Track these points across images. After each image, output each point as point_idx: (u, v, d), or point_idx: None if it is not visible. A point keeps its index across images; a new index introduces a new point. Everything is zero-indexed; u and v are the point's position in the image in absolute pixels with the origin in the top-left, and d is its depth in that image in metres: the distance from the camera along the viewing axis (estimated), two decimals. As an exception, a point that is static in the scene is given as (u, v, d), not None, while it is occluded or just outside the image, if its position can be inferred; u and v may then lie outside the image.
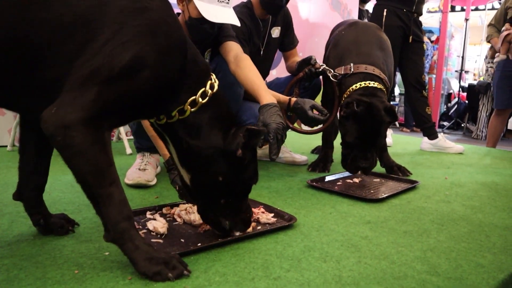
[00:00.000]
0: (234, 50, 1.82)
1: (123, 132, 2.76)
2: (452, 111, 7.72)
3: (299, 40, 2.57)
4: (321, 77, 2.23)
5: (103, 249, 1.07)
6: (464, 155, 3.05)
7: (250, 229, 1.23)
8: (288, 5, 2.35)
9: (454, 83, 8.16)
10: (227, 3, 1.70)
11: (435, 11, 8.99)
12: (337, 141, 2.12)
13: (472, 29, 9.06)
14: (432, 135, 3.20)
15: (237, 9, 2.16)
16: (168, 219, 1.32)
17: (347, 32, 2.20)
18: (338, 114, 2.00)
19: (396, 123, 6.87)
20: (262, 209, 1.40)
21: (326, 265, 1.04)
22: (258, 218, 1.32)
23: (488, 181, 2.15)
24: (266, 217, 1.33)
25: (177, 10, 1.82)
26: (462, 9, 8.77)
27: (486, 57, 5.94)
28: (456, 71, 8.41)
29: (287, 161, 2.43)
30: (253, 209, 1.39)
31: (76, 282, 0.91)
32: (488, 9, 9.07)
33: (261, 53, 2.33)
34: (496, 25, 3.71)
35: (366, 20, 4.40)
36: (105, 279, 0.92)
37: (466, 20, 7.47)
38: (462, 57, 7.59)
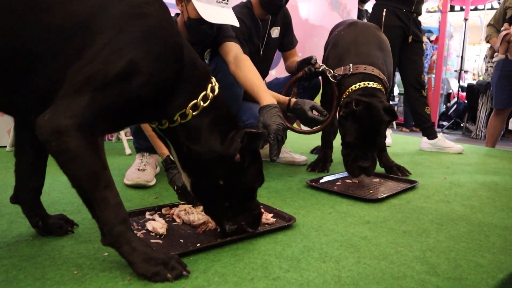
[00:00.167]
0: (233, 50, 1.82)
1: (122, 133, 2.76)
2: (451, 111, 7.72)
3: (299, 40, 2.57)
4: (320, 77, 2.23)
5: (102, 250, 1.07)
6: (463, 155, 3.05)
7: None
8: (288, 5, 2.36)
9: (453, 83, 8.17)
10: (226, 3, 1.70)
11: (434, 11, 9.00)
12: (337, 141, 2.12)
13: (471, 29, 9.06)
14: (431, 135, 3.20)
15: (237, 9, 2.16)
16: (167, 219, 1.32)
17: (346, 32, 2.20)
18: (337, 114, 2.00)
19: (394, 122, 6.87)
20: (262, 209, 1.39)
21: (326, 265, 1.04)
22: (258, 218, 1.32)
23: (488, 181, 2.15)
24: (265, 217, 1.33)
25: (176, 10, 1.82)
26: (461, 9, 8.78)
27: (486, 56, 5.94)
28: (455, 71, 8.41)
29: (286, 161, 2.43)
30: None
31: (75, 282, 0.91)
32: (487, 9, 9.07)
33: (261, 53, 2.33)
34: (495, 25, 3.71)
35: (365, 20, 4.40)
36: (104, 280, 0.92)
37: (465, 20, 7.47)
38: (462, 57, 7.60)
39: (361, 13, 4.93)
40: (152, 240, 1.14)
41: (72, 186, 0.90)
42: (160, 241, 1.14)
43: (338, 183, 1.91)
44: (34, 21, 0.86)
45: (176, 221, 1.30)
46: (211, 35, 1.82)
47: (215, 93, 1.08)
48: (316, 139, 2.61)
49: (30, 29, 0.86)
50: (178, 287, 0.90)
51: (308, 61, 2.11)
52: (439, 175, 2.26)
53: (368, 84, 1.91)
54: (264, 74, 2.42)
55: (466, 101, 7.24)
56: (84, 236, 1.18)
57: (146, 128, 1.56)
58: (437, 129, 3.85)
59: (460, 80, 7.84)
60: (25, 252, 1.06)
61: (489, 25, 3.78)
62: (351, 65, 1.99)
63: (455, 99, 7.70)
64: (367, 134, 1.82)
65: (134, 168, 1.84)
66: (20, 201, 1.17)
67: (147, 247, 0.95)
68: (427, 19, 8.96)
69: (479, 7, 9.20)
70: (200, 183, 1.09)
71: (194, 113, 1.04)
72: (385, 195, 1.72)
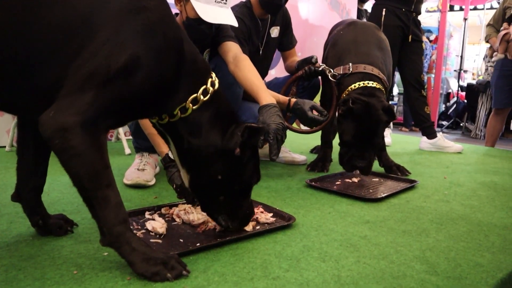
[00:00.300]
0: (233, 50, 1.82)
1: (122, 132, 2.76)
2: (451, 110, 7.73)
3: (298, 40, 2.57)
4: (319, 77, 2.23)
5: (102, 250, 1.07)
6: (463, 155, 3.05)
7: (250, 229, 1.23)
8: (287, 5, 2.36)
9: (453, 83, 8.18)
10: (225, 3, 1.70)
11: (434, 11, 9.00)
12: (336, 141, 2.12)
13: (471, 29, 9.06)
14: (431, 135, 3.20)
15: (237, 9, 2.16)
16: (167, 219, 1.32)
17: (345, 32, 2.20)
18: (336, 113, 2.00)
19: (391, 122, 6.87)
20: (261, 209, 1.40)
21: (325, 265, 1.04)
22: (257, 218, 1.32)
23: (487, 181, 2.15)
24: (265, 217, 1.33)
25: (175, 10, 1.82)
26: (461, 9, 8.77)
27: (486, 56, 5.94)
28: (455, 70, 8.42)
29: (286, 161, 2.44)
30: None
31: (75, 282, 0.91)
32: (487, 9, 9.07)
33: (260, 52, 2.33)
34: (494, 25, 3.71)
35: (364, 20, 4.40)
36: (104, 280, 0.92)
37: (465, 19, 7.48)
38: (461, 57, 7.61)
39: (360, 12, 4.93)
40: (151, 240, 1.14)
41: (73, 185, 0.90)
42: (159, 241, 1.14)
43: (337, 183, 1.91)
44: (34, 17, 0.86)
45: (175, 221, 1.30)
46: (210, 35, 1.82)
47: (215, 87, 1.08)
48: (315, 139, 2.61)
49: (31, 26, 0.85)
50: (178, 287, 0.90)
51: (308, 61, 2.11)
52: (439, 174, 2.26)
53: (368, 83, 1.91)
54: (263, 73, 2.42)
55: (465, 101, 7.25)
56: (84, 236, 1.18)
57: (145, 126, 1.56)
58: (436, 129, 3.84)
59: (460, 80, 7.85)
60: (24, 252, 1.06)
61: (488, 25, 3.79)
62: (350, 64, 1.99)
63: (455, 98, 7.71)
64: (365, 133, 1.82)
65: (133, 167, 1.84)
66: (21, 199, 1.17)
67: (146, 247, 0.95)
68: (427, 19, 8.96)
69: (479, 6, 9.20)
70: (198, 178, 1.09)
71: (194, 107, 1.03)
72: (385, 194, 1.72)
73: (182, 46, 1.03)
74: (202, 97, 1.04)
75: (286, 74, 2.52)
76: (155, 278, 0.91)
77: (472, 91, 6.60)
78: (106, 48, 0.88)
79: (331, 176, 2.05)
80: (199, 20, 1.66)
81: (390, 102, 2.55)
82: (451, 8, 8.93)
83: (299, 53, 2.86)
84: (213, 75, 1.11)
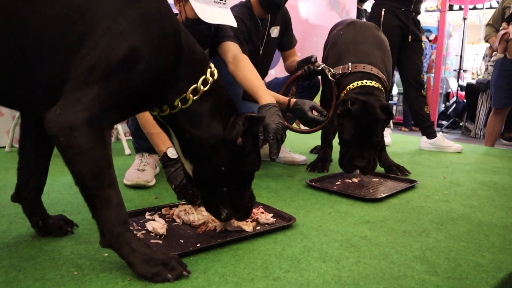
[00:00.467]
0: (232, 50, 1.82)
1: (122, 133, 2.76)
2: (450, 110, 7.73)
3: (298, 39, 2.57)
4: (319, 77, 2.23)
5: (102, 250, 1.07)
6: (462, 154, 3.05)
7: (250, 229, 1.23)
8: (287, 5, 2.36)
9: (452, 82, 8.18)
10: (224, 3, 1.70)
11: (433, 10, 9.01)
12: (336, 141, 2.12)
13: (470, 28, 9.07)
14: (430, 134, 3.20)
15: (236, 9, 2.16)
16: (167, 219, 1.32)
17: (345, 32, 2.20)
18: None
19: (390, 122, 6.88)
20: (261, 209, 1.40)
21: (326, 265, 1.04)
22: (258, 218, 1.32)
23: (487, 180, 2.16)
24: (265, 217, 1.33)
25: (174, 11, 1.82)
26: (460, 8, 8.77)
27: (486, 55, 5.95)
28: (454, 70, 8.42)
29: (286, 161, 2.44)
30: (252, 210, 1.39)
31: (75, 283, 0.91)
32: (486, 8, 9.08)
33: (260, 52, 2.33)
34: (494, 25, 3.72)
35: (364, 20, 4.40)
36: (104, 280, 0.92)
37: (464, 19, 7.48)
38: (461, 56, 7.60)
39: (360, 12, 4.94)
40: (152, 241, 1.14)
41: (76, 183, 0.90)
42: (160, 242, 1.14)
43: (338, 183, 1.91)
44: (31, 10, 0.85)
45: (176, 222, 1.30)
46: (209, 35, 1.82)
47: (215, 77, 1.08)
48: (315, 139, 2.61)
49: (29, 19, 0.85)
50: (178, 288, 0.90)
51: (308, 60, 2.11)
52: (439, 174, 2.26)
53: (366, 82, 1.91)
54: (263, 73, 2.42)
55: (465, 100, 7.25)
56: (84, 237, 1.18)
57: (145, 125, 1.56)
58: (436, 129, 3.85)
59: (459, 79, 7.85)
60: (24, 253, 1.06)
61: (488, 25, 3.79)
62: (349, 64, 1.99)
63: (454, 98, 7.71)
64: (363, 133, 1.83)
65: (133, 168, 1.83)
66: (21, 200, 1.17)
67: (146, 248, 0.95)
68: (426, 18, 8.96)
69: (478, 6, 9.21)
70: (202, 170, 1.09)
71: (194, 98, 1.03)
72: (385, 194, 1.72)
73: (180, 36, 1.02)
74: (202, 87, 1.04)
75: (286, 74, 2.52)
76: (155, 279, 0.91)
77: (471, 90, 6.60)
78: (105, 40, 0.88)
79: (331, 176, 2.05)
80: (198, 20, 1.66)
81: (390, 102, 2.54)
82: (451, 8, 8.94)
83: (299, 53, 2.85)
84: (212, 65, 1.11)
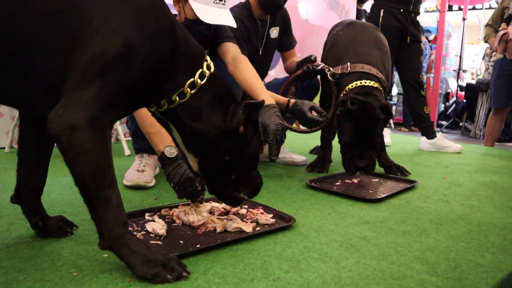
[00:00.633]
0: (231, 51, 1.82)
1: (122, 134, 2.76)
2: (450, 110, 7.73)
3: (297, 40, 2.57)
4: (319, 77, 2.24)
5: (102, 251, 1.07)
6: (462, 154, 3.05)
7: (250, 230, 1.23)
8: (286, 6, 2.36)
9: (452, 82, 8.18)
10: (223, 4, 1.70)
11: (433, 11, 9.01)
12: (336, 141, 2.13)
13: (470, 29, 9.08)
14: (430, 135, 3.20)
15: (236, 10, 2.17)
16: (167, 220, 1.32)
17: (344, 32, 2.20)
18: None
19: (391, 122, 6.88)
20: (261, 210, 1.40)
21: (325, 266, 1.04)
22: (257, 219, 1.32)
23: (487, 180, 2.16)
24: (265, 218, 1.33)
25: (174, 11, 1.82)
26: (460, 9, 8.78)
27: (486, 55, 5.95)
28: (454, 70, 8.43)
29: (286, 161, 2.44)
30: (252, 210, 1.39)
31: (75, 284, 0.90)
32: (486, 9, 9.09)
33: (260, 53, 2.33)
34: (493, 25, 3.72)
35: (363, 20, 4.41)
36: (104, 281, 0.92)
37: (464, 19, 7.49)
38: (460, 56, 7.61)
39: (359, 13, 4.94)
40: (151, 241, 1.14)
41: (76, 184, 0.90)
42: (159, 242, 1.14)
43: (337, 183, 1.91)
44: (26, 7, 0.85)
45: (175, 222, 1.30)
46: (208, 36, 1.82)
47: (211, 70, 1.08)
48: (315, 139, 2.62)
49: (23, 16, 0.84)
50: (178, 289, 0.90)
51: (307, 60, 2.11)
52: (438, 174, 2.26)
53: (365, 82, 1.92)
54: (263, 74, 2.42)
55: (464, 101, 7.25)
56: (84, 238, 1.18)
57: (143, 125, 1.55)
58: (436, 129, 3.85)
59: (459, 80, 7.85)
60: (24, 253, 1.06)
61: (487, 25, 3.80)
62: (348, 64, 1.99)
63: (454, 98, 7.71)
64: (363, 133, 1.83)
65: (133, 169, 1.83)
66: (21, 201, 1.17)
67: (146, 249, 0.94)
68: (425, 19, 8.97)
69: (477, 6, 9.21)
70: (207, 161, 1.09)
71: (192, 92, 1.03)
72: (385, 195, 1.72)
73: (175, 30, 1.02)
74: (199, 80, 1.04)
75: (286, 75, 2.52)
76: (155, 280, 0.91)
77: (471, 90, 6.60)
78: (100, 35, 0.87)
79: (331, 176, 2.05)
80: (197, 21, 1.66)
81: (390, 102, 2.54)
82: (450, 8, 8.94)
83: (299, 54, 2.86)
84: (208, 58, 1.10)
